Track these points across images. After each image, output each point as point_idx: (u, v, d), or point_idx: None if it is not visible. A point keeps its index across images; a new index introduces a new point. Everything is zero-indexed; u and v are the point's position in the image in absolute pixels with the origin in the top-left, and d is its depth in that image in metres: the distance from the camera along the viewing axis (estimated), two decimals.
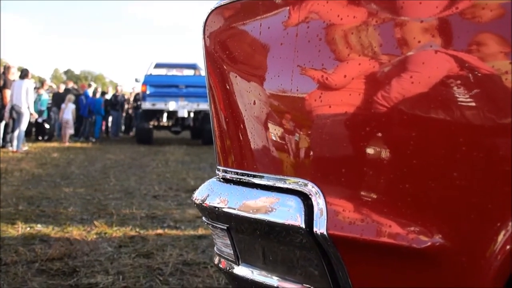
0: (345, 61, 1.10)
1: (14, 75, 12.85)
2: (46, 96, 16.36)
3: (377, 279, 1.10)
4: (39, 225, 4.69)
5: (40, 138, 16.76)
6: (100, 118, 19.56)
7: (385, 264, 1.08)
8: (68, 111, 16.55)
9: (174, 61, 20.32)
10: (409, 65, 1.00)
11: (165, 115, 17.55)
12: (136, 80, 19.51)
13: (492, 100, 0.91)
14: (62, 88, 19.56)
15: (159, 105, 16.42)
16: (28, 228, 4.56)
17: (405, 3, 1.03)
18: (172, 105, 16.37)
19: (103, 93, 21.01)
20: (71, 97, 17.11)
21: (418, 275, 1.04)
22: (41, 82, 20.36)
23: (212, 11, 1.40)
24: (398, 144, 1.02)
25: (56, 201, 6.05)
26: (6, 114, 12.76)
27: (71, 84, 20.85)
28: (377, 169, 1.04)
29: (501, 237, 0.91)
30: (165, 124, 18.49)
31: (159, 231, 4.56)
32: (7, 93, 12.61)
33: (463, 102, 0.93)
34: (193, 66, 18.94)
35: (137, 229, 4.59)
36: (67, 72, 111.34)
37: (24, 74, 12.94)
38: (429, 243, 0.98)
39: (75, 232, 4.46)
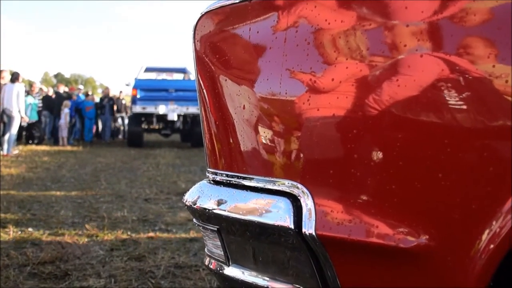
0: (332, 65, 1.12)
1: (5, 79, 12.81)
2: (31, 100, 16.32)
3: (365, 279, 1.12)
4: (30, 229, 4.69)
5: (30, 141, 16.73)
6: (89, 121, 19.50)
7: (373, 264, 1.09)
8: (63, 115, 16.87)
9: (164, 65, 20.35)
10: (395, 68, 1.03)
11: (155, 118, 17.61)
12: (127, 85, 19.51)
13: (474, 102, 0.94)
14: (51, 91, 19.52)
15: (149, 109, 16.59)
16: (20, 232, 4.56)
17: (391, 7, 1.05)
18: (162, 109, 16.52)
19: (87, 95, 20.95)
20: (67, 103, 17.37)
21: (405, 275, 1.05)
22: (30, 85, 20.25)
23: (202, 15, 1.41)
24: (384, 146, 1.04)
25: (47, 204, 6.05)
26: None
27: (62, 88, 20.70)
28: (364, 171, 1.06)
29: (485, 236, 0.93)
30: (155, 127, 18.57)
31: (151, 234, 4.57)
32: None
33: (447, 104, 0.96)
34: (182, 70, 19.06)
35: (129, 232, 4.60)
36: (57, 76, 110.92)
37: (14, 77, 12.89)
38: (415, 243, 1.00)
39: (66, 235, 4.46)
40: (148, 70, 18.52)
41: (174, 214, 5.45)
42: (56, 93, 19.18)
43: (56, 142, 17.53)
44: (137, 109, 16.68)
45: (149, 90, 16.85)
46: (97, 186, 7.74)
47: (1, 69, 13.44)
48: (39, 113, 17.21)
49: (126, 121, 23.04)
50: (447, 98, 0.96)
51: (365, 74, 1.06)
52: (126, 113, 22.38)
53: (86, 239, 4.35)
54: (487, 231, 0.93)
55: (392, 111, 1.02)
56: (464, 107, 0.95)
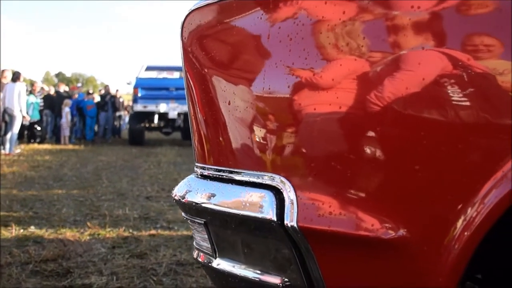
0: (314, 60, 1.15)
1: (7, 78, 12.82)
2: (33, 99, 16.35)
3: (346, 270, 1.15)
4: (32, 227, 4.71)
5: (32, 140, 16.75)
6: (91, 120, 19.51)
7: (353, 255, 1.13)
8: (64, 114, 16.93)
9: (164, 64, 20.34)
10: (370, 64, 1.06)
11: (156, 116, 17.64)
12: (128, 83, 19.53)
13: (445, 99, 0.98)
14: (52, 90, 19.53)
15: (150, 107, 16.64)
16: (22, 230, 4.58)
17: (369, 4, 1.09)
18: (163, 107, 16.57)
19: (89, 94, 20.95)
20: (67, 101, 17.41)
21: (383, 265, 1.09)
22: (32, 84, 20.24)
23: (189, 13, 1.44)
24: (361, 141, 1.07)
25: (49, 203, 6.06)
26: None
27: (62, 87, 20.70)
28: (343, 164, 1.10)
29: (459, 225, 0.96)
30: (157, 125, 18.60)
31: (152, 231, 4.58)
32: None
33: (420, 101, 1.00)
34: None
35: (130, 230, 4.62)
36: (58, 75, 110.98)
37: (16, 77, 12.90)
38: (393, 234, 1.04)
39: (68, 233, 4.48)
40: (149, 69, 18.52)
41: (175, 212, 5.46)
42: (57, 92, 19.18)
43: (57, 141, 17.55)
44: (138, 107, 16.74)
45: (150, 88, 16.90)
46: (99, 184, 7.75)
47: (3, 68, 13.44)
48: (40, 112, 17.22)
49: (126, 119, 23.05)
50: (419, 96, 1.00)
51: (344, 71, 1.10)
52: (127, 111, 22.37)
53: (88, 237, 4.37)
54: (461, 220, 0.96)
55: (367, 107, 1.05)
56: (437, 103, 0.98)
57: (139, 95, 16.73)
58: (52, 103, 18.04)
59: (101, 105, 19.78)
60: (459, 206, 0.96)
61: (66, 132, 17.42)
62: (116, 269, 3.45)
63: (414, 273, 1.04)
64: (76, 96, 19.59)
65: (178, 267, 3.50)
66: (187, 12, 1.45)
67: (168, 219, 5.12)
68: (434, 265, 1.00)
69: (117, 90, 22.35)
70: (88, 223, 4.85)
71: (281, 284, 1.25)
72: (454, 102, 0.96)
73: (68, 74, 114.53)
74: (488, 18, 0.96)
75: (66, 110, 17.31)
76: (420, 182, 1.01)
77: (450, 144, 0.97)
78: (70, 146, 16.17)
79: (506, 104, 0.91)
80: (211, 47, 1.39)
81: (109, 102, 20.01)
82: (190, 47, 1.46)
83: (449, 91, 0.97)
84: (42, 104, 17.75)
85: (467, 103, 0.95)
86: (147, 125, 18.21)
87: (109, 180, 8.23)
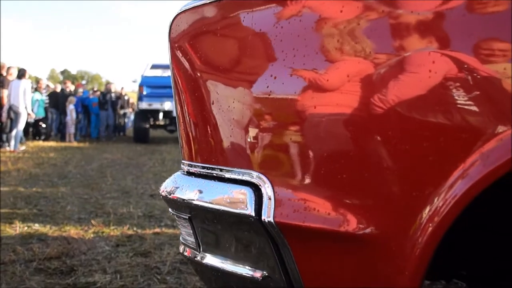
0: (292, 62, 1.20)
1: (12, 75, 12.85)
2: (39, 96, 16.38)
3: (320, 264, 1.20)
4: (36, 225, 4.71)
5: (37, 138, 16.79)
6: (96, 118, 19.53)
7: (327, 249, 1.18)
8: (69, 112, 17.00)
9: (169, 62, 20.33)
10: (333, 64, 1.14)
11: (161, 114, 17.70)
12: (134, 81, 19.56)
13: (409, 95, 1.03)
14: (59, 88, 19.57)
15: (155, 105, 16.72)
16: (26, 227, 4.58)
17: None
18: (167, 105, 16.63)
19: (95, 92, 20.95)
20: (72, 99, 17.45)
21: (355, 260, 1.14)
22: (37, 81, 20.26)
23: (178, 14, 1.49)
24: (332, 139, 1.13)
25: (54, 200, 6.07)
26: (4, 114, 12.74)
27: (69, 86, 20.67)
28: (316, 162, 1.16)
29: (423, 218, 1.01)
30: (161, 123, 18.65)
31: (157, 230, 4.58)
32: (4, 93, 12.61)
33: (382, 99, 1.05)
34: None
35: (135, 228, 4.61)
36: (63, 72, 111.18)
37: (21, 74, 12.93)
38: (363, 229, 1.09)
39: (72, 231, 4.48)
40: (154, 67, 18.55)
41: None
42: (62, 90, 19.21)
43: (62, 138, 17.59)
44: (143, 105, 16.82)
45: (155, 87, 16.93)
46: (103, 182, 7.75)
47: (8, 65, 13.46)
48: (45, 109, 17.26)
49: (131, 117, 23.02)
50: (384, 96, 1.05)
51: (311, 72, 1.16)
52: (132, 109, 22.34)
53: (92, 235, 4.36)
54: (424, 214, 1.02)
55: (336, 107, 1.12)
56: (398, 100, 1.04)
57: (144, 93, 16.79)
58: (57, 101, 18.07)
59: (101, 104, 19.70)
60: (423, 202, 1.01)
61: (71, 129, 17.45)
62: (120, 268, 3.45)
63: (384, 267, 1.09)
64: (81, 93, 19.60)
65: (182, 266, 3.48)
66: (174, 14, 1.50)
67: (172, 218, 5.10)
68: (401, 259, 1.05)
69: (122, 88, 22.34)
70: (92, 221, 4.85)
71: (260, 278, 1.30)
72: (416, 102, 1.02)
73: (73, 71, 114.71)
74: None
75: (71, 108, 17.35)
76: (387, 179, 1.06)
77: (415, 142, 1.02)
78: (75, 144, 16.21)
79: (469, 100, 0.97)
80: (197, 48, 1.44)
81: (109, 100, 19.95)
82: (177, 48, 1.50)
83: (403, 92, 1.03)
84: (47, 101, 17.78)
85: (430, 101, 1.01)
86: (152, 123, 18.27)
87: (114, 178, 8.23)
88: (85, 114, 19.68)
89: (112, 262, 3.57)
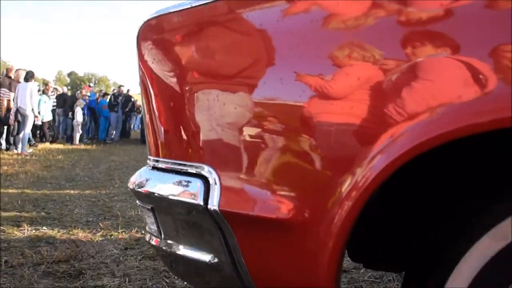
0: (235, 66, 1.38)
1: (21, 78, 12.89)
2: (46, 99, 16.42)
3: (258, 247, 1.35)
4: (44, 227, 4.70)
5: (44, 140, 16.84)
6: (105, 120, 19.58)
7: (262, 233, 1.32)
8: (76, 114, 17.08)
9: None
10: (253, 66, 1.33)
11: None
12: None
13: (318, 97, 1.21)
14: (65, 90, 19.65)
15: None
16: (34, 230, 4.56)
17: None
18: None
19: (105, 94, 20.99)
20: (81, 101, 17.52)
21: (286, 241, 1.27)
22: (45, 84, 20.32)
23: (145, 23, 1.62)
24: (262, 137, 1.29)
25: (62, 203, 6.06)
26: (12, 117, 12.78)
27: (80, 91, 20.68)
28: (253, 157, 1.31)
29: (339, 200, 1.15)
30: None
31: None
32: (11, 96, 12.65)
33: (304, 101, 1.22)
34: None
35: (143, 231, 4.58)
36: (70, 74, 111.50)
37: (29, 76, 12.96)
38: (291, 214, 1.23)
39: (80, 234, 4.46)
40: None
41: None
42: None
43: (69, 140, 17.64)
44: None
45: None
46: (111, 184, 7.75)
47: (17, 68, 13.52)
48: (53, 111, 17.31)
49: (137, 119, 23.04)
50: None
51: (249, 79, 1.34)
52: (139, 111, 22.34)
53: (100, 238, 4.35)
54: (340, 196, 1.15)
55: (262, 107, 1.30)
56: (313, 100, 1.21)
57: None
58: (64, 103, 18.13)
59: (112, 106, 19.68)
60: (339, 188, 1.15)
61: (78, 131, 17.50)
62: (129, 271, 3.43)
63: (310, 246, 1.22)
64: (87, 98, 19.60)
65: None
66: (142, 23, 1.63)
67: None
68: (323, 243, 1.18)
69: (128, 90, 22.36)
70: (101, 224, 4.83)
71: (210, 262, 1.44)
72: (326, 102, 1.19)
73: (80, 73, 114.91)
74: None
75: (78, 110, 17.39)
76: (308, 169, 1.21)
77: (331, 136, 1.18)
78: (82, 146, 16.26)
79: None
80: (162, 53, 1.59)
81: (120, 103, 19.95)
82: (145, 53, 1.63)
83: (321, 93, 1.20)
84: (54, 103, 17.84)
85: (341, 100, 1.17)
86: None
87: (122, 180, 8.22)
88: (91, 116, 19.72)
89: (120, 266, 3.55)
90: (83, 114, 18.00)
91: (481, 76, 0.98)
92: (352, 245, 1.68)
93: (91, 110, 19.52)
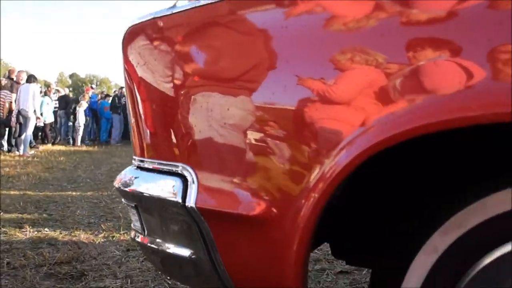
0: (207, 71, 1.45)
1: (23, 79, 12.91)
2: (49, 101, 16.42)
3: (232, 242, 1.41)
4: (46, 229, 4.70)
5: (46, 141, 16.85)
6: (107, 122, 19.58)
7: (237, 230, 1.39)
8: (78, 116, 17.12)
9: None
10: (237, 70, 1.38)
11: None
12: None
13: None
14: (66, 92, 19.67)
15: None
16: (36, 232, 4.57)
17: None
18: None
19: (106, 96, 20.99)
20: (83, 103, 17.54)
21: (258, 236, 1.34)
22: (47, 86, 20.33)
23: (129, 28, 1.68)
24: (233, 137, 1.35)
25: (63, 204, 6.07)
26: (13, 119, 12.79)
27: (83, 94, 20.67)
28: (226, 157, 1.38)
29: (304, 196, 1.20)
30: None
31: None
32: (13, 97, 12.66)
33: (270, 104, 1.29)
34: None
35: None
36: (72, 76, 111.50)
37: (32, 80, 12.97)
38: (260, 210, 1.29)
39: (82, 235, 4.47)
40: None
41: None
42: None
43: (71, 142, 17.65)
44: None
45: None
46: (113, 186, 7.71)
47: (19, 70, 13.54)
48: (54, 113, 17.32)
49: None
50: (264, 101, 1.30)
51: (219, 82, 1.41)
52: None
53: (102, 240, 4.35)
54: (305, 191, 1.20)
55: (235, 110, 1.35)
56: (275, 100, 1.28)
57: None
58: (66, 105, 18.14)
59: (116, 107, 19.63)
60: (304, 184, 1.20)
61: (80, 133, 17.51)
62: (131, 272, 3.43)
63: (278, 239, 1.27)
64: (88, 99, 19.59)
65: None
66: (126, 29, 1.70)
67: None
68: (289, 237, 1.24)
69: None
70: (102, 225, 4.84)
71: (189, 257, 1.50)
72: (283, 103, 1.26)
73: (82, 75, 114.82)
74: None
75: (80, 111, 17.41)
76: (277, 167, 1.26)
77: (296, 134, 1.23)
78: (84, 148, 16.26)
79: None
80: (146, 58, 1.63)
81: (122, 105, 19.90)
82: (130, 58, 1.70)
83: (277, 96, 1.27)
84: (56, 105, 17.85)
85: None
86: None
87: None
88: (93, 118, 19.72)
89: (122, 267, 3.55)
90: (85, 116, 18.01)
91: (449, 72, 1.00)
92: (332, 241, 1.78)
93: (93, 111, 19.52)
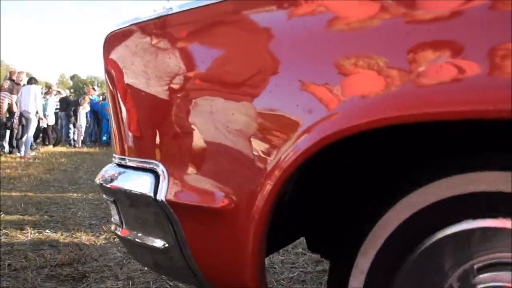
0: (182, 75, 1.51)
1: (23, 81, 12.91)
2: (50, 102, 16.44)
3: (199, 233, 1.49)
4: (48, 231, 4.70)
5: (47, 143, 16.85)
6: (107, 123, 19.59)
7: (201, 221, 1.48)
8: (79, 117, 17.12)
9: None
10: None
11: None
12: None
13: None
14: (67, 93, 19.69)
15: None
16: (37, 234, 4.57)
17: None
18: None
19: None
20: (85, 105, 17.56)
21: (221, 227, 1.42)
22: (48, 87, 20.34)
23: (110, 33, 1.76)
24: (197, 136, 1.45)
25: (65, 206, 6.07)
26: (15, 121, 12.79)
27: (83, 96, 20.70)
28: (193, 154, 1.47)
29: (260, 188, 1.28)
30: None
31: None
32: (13, 99, 12.66)
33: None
34: None
35: None
36: (73, 77, 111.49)
37: (32, 82, 12.97)
38: (222, 202, 1.37)
39: (84, 237, 4.46)
40: None
41: None
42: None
43: (72, 143, 17.65)
44: None
45: None
46: None
47: (19, 71, 13.53)
48: (55, 114, 17.33)
49: None
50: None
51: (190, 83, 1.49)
52: None
53: (103, 241, 4.34)
54: (261, 184, 1.28)
55: (200, 110, 1.45)
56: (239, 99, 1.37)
57: None
58: (67, 106, 18.14)
59: None
60: (261, 176, 1.28)
61: (81, 134, 17.53)
62: (132, 274, 3.42)
63: (237, 230, 1.36)
64: (89, 100, 19.62)
65: None
66: (107, 35, 1.78)
67: None
68: (246, 227, 1.32)
69: None
70: (104, 227, 4.83)
71: (161, 247, 1.59)
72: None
73: (83, 76, 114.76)
74: None
75: (81, 113, 17.42)
76: (237, 162, 1.35)
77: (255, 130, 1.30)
78: (85, 149, 16.26)
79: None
80: (126, 62, 1.70)
81: None
82: (111, 61, 1.78)
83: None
84: (57, 106, 17.86)
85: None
86: None
87: None
88: (94, 119, 19.74)
89: (124, 269, 3.55)
90: (86, 117, 18.02)
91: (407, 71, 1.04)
92: (307, 235, 1.89)
93: (94, 113, 19.54)
